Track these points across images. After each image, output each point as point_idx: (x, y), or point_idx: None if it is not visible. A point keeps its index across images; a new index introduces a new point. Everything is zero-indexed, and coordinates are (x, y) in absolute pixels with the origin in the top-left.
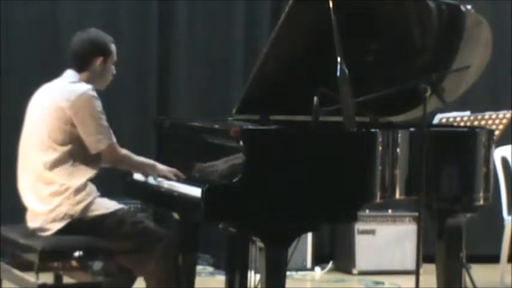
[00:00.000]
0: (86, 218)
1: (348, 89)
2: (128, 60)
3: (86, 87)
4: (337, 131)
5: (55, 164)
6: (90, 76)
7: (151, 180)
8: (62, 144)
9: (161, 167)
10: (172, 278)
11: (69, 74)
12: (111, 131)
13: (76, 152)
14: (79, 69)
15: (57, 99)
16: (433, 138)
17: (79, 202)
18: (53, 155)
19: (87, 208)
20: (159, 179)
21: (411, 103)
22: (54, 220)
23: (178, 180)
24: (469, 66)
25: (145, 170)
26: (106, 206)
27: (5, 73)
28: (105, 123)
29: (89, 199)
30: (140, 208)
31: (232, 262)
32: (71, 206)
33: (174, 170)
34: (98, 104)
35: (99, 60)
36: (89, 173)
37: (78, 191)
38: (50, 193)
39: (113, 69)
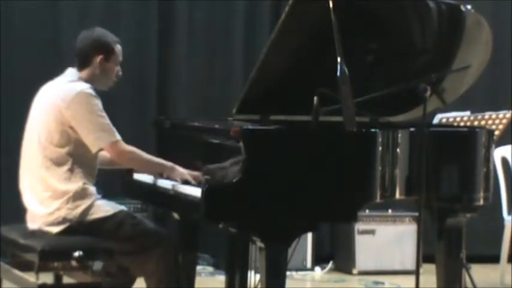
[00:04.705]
0: (85, 222)
1: (348, 89)
2: (128, 60)
3: (82, 86)
4: (337, 131)
5: (52, 166)
6: (91, 74)
7: (151, 180)
8: (59, 145)
9: (181, 170)
10: (172, 278)
11: (69, 73)
12: (114, 129)
13: (74, 154)
14: (80, 67)
15: (55, 99)
16: (433, 138)
17: (77, 206)
18: (50, 157)
19: (86, 212)
20: (159, 180)
21: (411, 103)
22: (52, 224)
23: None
24: (469, 66)
25: (160, 171)
26: (105, 208)
27: (5, 73)
28: (105, 120)
29: (88, 203)
30: (140, 208)
31: (232, 262)
32: (69, 211)
33: (195, 173)
34: (96, 102)
35: (99, 58)
36: (87, 176)
37: (76, 195)
38: (49, 195)
39: (117, 70)
